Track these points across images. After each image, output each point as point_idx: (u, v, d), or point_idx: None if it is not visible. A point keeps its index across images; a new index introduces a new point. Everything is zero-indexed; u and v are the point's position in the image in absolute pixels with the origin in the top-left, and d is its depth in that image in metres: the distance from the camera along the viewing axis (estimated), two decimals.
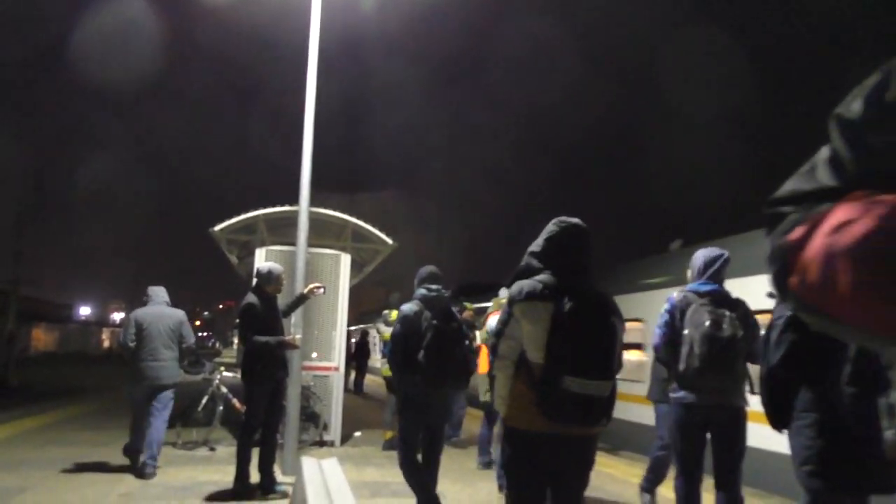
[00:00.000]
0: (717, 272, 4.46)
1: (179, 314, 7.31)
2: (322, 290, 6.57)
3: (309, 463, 2.26)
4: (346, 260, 9.23)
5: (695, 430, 4.35)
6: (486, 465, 7.71)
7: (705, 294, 4.41)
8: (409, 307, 5.02)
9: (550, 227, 3.28)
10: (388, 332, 8.85)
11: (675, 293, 4.50)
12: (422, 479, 5.02)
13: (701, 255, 4.55)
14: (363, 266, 10.74)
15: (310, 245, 8.23)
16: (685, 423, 4.35)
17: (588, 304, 3.04)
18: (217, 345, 79.59)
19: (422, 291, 5.09)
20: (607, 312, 3.10)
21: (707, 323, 4.11)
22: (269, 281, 6.46)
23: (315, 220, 9.29)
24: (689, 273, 4.64)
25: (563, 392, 2.87)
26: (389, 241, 9.51)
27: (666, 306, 4.44)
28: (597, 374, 2.95)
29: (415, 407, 4.97)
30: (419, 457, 5.16)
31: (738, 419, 4.31)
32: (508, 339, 3.09)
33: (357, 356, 19.72)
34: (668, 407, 4.63)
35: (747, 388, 4.40)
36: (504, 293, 7.34)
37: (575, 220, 3.30)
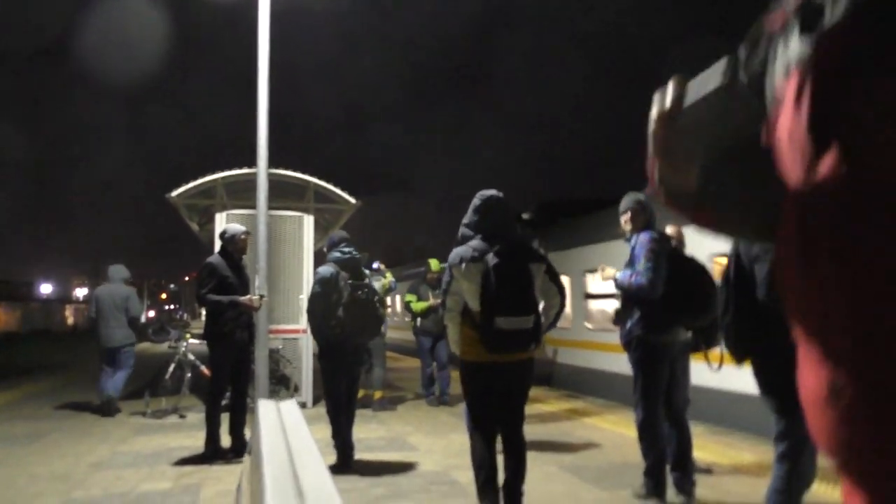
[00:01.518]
0: None
1: (126, 291, 8.95)
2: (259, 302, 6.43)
3: (265, 404, 2.25)
4: (308, 221, 9.11)
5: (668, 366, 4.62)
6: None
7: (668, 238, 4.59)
8: (326, 269, 5.63)
9: (475, 201, 4.14)
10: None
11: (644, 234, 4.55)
12: (341, 422, 5.67)
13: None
14: (328, 227, 10.62)
15: (271, 208, 8.08)
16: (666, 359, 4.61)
17: (509, 258, 3.89)
18: (185, 317, 78.79)
19: (336, 254, 5.69)
20: (525, 262, 3.97)
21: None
22: (232, 241, 6.38)
23: (275, 182, 9.08)
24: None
25: (497, 329, 3.80)
26: (352, 200, 9.38)
27: (649, 245, 4.47)
28: (520, 312, 3.87)
29: (335, 356, 5.62)
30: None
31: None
32: (453, 295, 4.00)
33: None
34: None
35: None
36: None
37: (493, 191, 4.18)
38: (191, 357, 8.88)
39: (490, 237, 3.98)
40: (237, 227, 6.52)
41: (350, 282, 5.58)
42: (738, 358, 3.24)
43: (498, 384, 4.03)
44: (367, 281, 5.78)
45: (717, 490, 4.84)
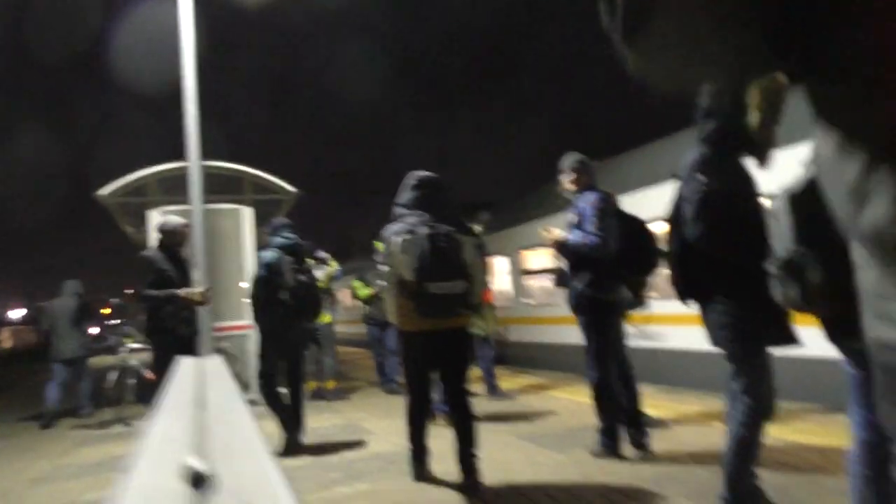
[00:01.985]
0: None
1: (77, 303, 8.94)
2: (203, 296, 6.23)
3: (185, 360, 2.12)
4: (247, 214, 8.86)
5: None
6: (490, 392, 7.80)
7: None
8: (269, 254, 5.70)
9: (408, 181, 4.39)
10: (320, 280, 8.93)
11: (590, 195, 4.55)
12: (281, 403, 5.70)
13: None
14: (270, 218, 10.35)
15: (209, 202, 7.81)
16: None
17: (440, 230, 4.14)
18: (131, 330, 76.25)
19: (279, 240, 5.75)
20: (455, 233, 4.19)
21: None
22: (172, 234, 6.13)
23: (210, 175, 8.82)
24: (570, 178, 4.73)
25: (429, 295, 4.02)
26: (292, 188, 9.17)
27: (598, 204, 4.48)
28: (449, 277, 4.07)
29: (276, 340, 5.68)
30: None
31: None
32: (389, 269, 4.22)
33: None
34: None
35: None
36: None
37: (423, 172, 4.44)
38: (133, 363, 8.56)
39: (422, 212, 4.26)
40: (177, 219, 6.28)
41: (293, 266, 5.65)
42: (682, 298, 3.27)
43: (435, 352, 4.25)
44: (308, 266, 5.88)
45: (670, 441, 4.90)
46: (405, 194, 4.38)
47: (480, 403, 7.28)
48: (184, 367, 1.96)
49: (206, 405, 0.96)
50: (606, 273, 4.48)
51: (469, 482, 4.12)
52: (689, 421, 5.65)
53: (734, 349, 3.09)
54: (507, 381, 9.09)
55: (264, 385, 5.74)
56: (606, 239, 4.39)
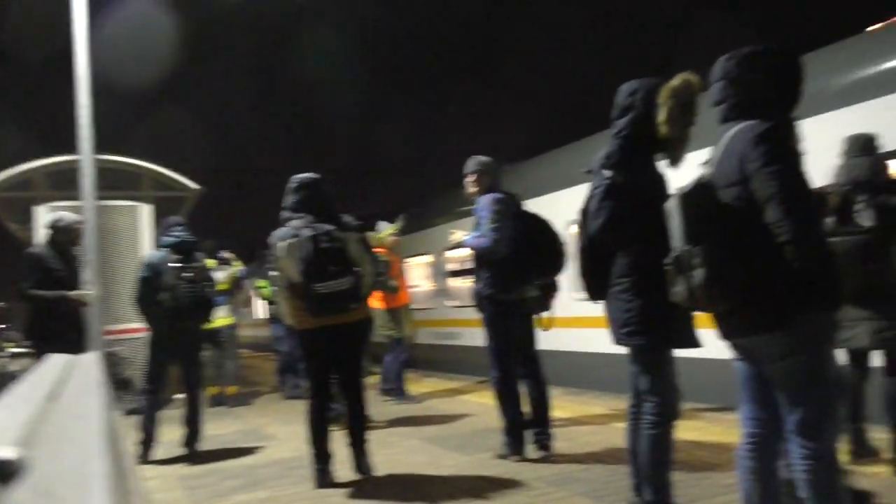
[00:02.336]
0: None
1: None
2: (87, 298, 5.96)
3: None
4: (145, 211, 8.42)
5: None
6: (393, 394, 7.64)
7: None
8: (153, 254, 5.69)
9: (290, 185, 4.45)
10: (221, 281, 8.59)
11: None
12: (154, 411, 5.47)
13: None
14: (172, 216, 9.87)
15: (102, 198, 7.39)
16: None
17: (322, 230, 4.21)
18: (12, 335, 71.36)
19: (166, 238, 5.57)
20: (337, 232, 4.26)
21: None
22: (66, 231, 5.76)
23: (105, 170, 8.34)
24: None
25: (317, 294, 4.12)
26: (194, 185, 8.79)
27: (493, 207, 4.52)
28: (335, 276, 4.16)
29: (160, 344, 5.50)
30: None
31: None
32: (279, 273, 4.33)
33: None
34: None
35: None
36: (383, 226, 7.57)
37: (304, 175, 4.49)
38: (11, 368, 7.97)
39: (305, 214, 4.34)
40: (71, 216, 5.90)
41: (177, 265, 5.37)
42: (590, 295, 3.30)
43: (331, 347, 4.37)
44: (197, 264, 5.52)
45: (574, 442, 4.99)
46: (288, 198, 4.45)
47: (387, 407, 7.22)
48: (52, 361, 1.81)
49: (58, 398, 0.87)
50: (508, 273, 4.52)
51: (361, 472, 4.39)
52: (590, 422, 5.79)
53: (639, 348, 3.15)
54: (420, 384, 9.05)
55: (145, 391, 5.55)
56: (497, 241, 4.43)
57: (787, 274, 2.30)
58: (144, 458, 5.36)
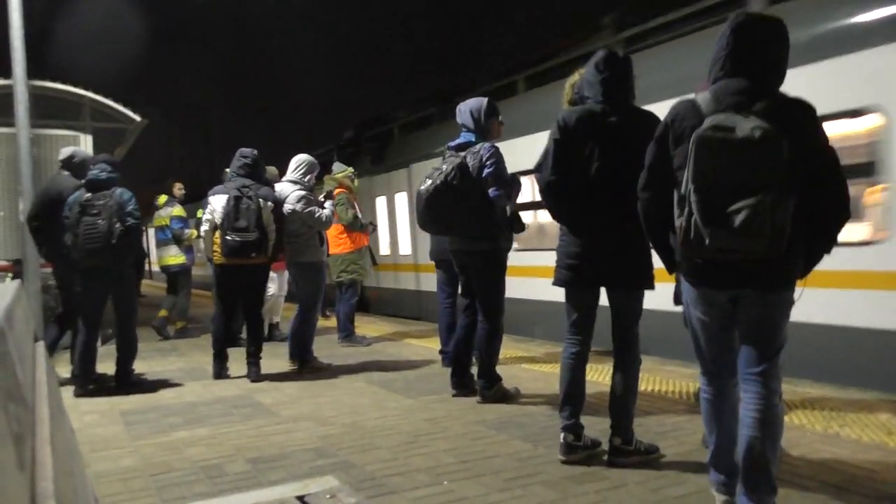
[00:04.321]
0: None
1: None
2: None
3: None
4: (85, 141, 8.07)
5: None
6: (346, 338, 7.60)
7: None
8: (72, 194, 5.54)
9: (237, 155, 5.96)
10: (163, 217, 8.65)
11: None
12: (85, 345, 5.53)
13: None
14: (113, 149, 9.50)
15: (40, 126, 7.05)
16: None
17: (244, 194, 5.59)
18: None
19: (88, 174, 5.54)
20: (255, 197, 5.60)
21: None
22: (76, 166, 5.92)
23: (43, 97, 7.94)
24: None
25: (228, 241, 5.55)
26: (136, 117, 8.43)
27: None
28: (244, 231, 5.51)
29: (66, 281, 5.80)
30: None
31: None
32: (208, 222, 5.77)
33: None
34: None
35: None
36: (338, 167, 7.60)
37: (248, 149, 5.96)
38: None
39: (242, 178, 5.76)
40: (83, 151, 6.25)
41: (84, 202, 5.30)
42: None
43: (234, 280, 5.79)
44: (105, 202, 5.29)
45: (514, 380, 5.08)
46: (233, 163, 5.90)
47: (337, 349, 7.24)
48: None
49: None
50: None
51: (249, 378, 5.74)
52: (532, 368, 5.91)
53: (642, 292, 3.45)
54: (369, 327, 9.07)
55: (82, 327, 5.58)
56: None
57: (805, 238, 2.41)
58: (81, 392, 5.37)
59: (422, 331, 8.69)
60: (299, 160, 6.19)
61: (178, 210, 8.73)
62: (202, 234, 5.95)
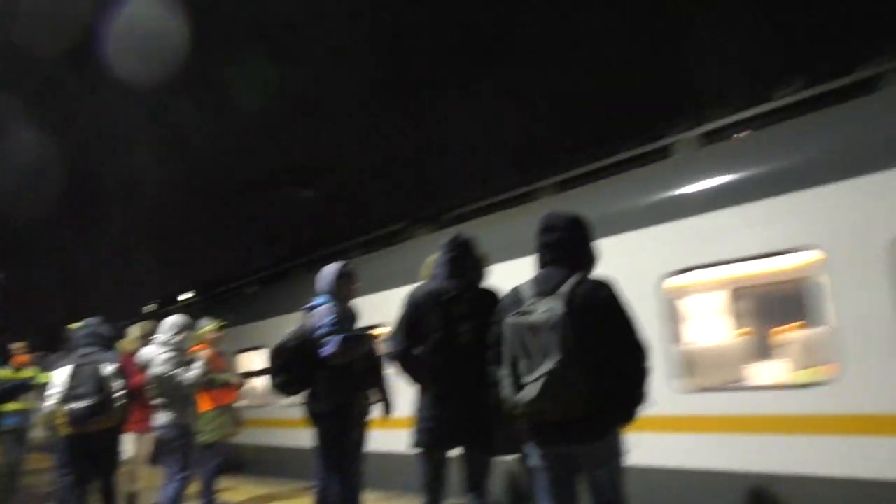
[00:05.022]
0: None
1: None
2: None
3: None
4: None
5: None
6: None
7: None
8: None
9: (79, 325, 5.95)
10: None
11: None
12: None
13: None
14: None
15: None
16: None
17: (86, 360, 5.61)
18: None
19: None
20: (94, 356, 5.66)
21: None
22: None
23: None
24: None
25: (70, 411, 5.42)
26: None
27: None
28: (85, 395, 5.40)
29: None
30: None
31: None
32: (52, 391, 5.58)
33: None
34: None
35: None
36: (203, 322, 7.32)
37: (94, 318, 6.05)
38: None
39: (85, 340, 5.85)
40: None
41: None
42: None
43: (89, 450, 5.64)
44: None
45: None
46: (76, 332, 5.89)
47: None
48: None
49: None
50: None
51: None
52: None
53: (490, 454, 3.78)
54: (236, 492, 8.49)
55: None
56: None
57: (612, 393, 2.82)
58: None
59: (289, 491, 8.27)
60: (174, 322, 6.28)
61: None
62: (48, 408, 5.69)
